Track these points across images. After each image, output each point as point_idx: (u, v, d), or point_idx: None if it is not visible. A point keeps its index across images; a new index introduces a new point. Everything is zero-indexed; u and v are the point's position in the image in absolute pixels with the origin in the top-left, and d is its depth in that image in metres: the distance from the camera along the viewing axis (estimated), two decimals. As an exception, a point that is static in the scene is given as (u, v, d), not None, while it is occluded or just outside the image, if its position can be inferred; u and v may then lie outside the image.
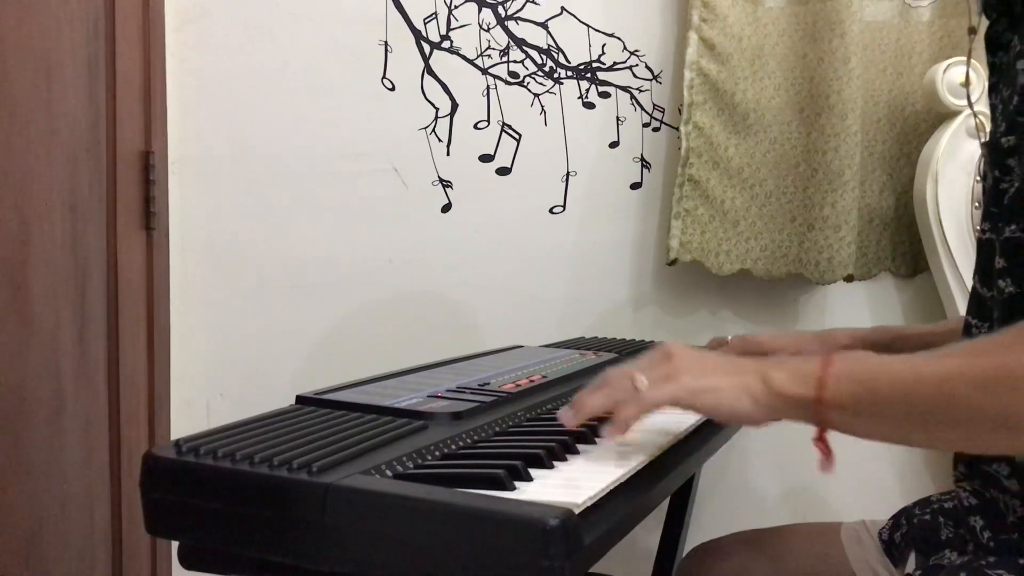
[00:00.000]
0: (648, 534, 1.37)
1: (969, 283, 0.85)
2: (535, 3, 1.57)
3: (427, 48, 1.54)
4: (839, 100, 1.54)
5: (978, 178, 1.49)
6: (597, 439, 0.78)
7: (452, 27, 1.54)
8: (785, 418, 0.72)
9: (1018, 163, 0.75)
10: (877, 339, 1.05)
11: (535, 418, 0.87)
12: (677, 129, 1.59)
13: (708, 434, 0.88)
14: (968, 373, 0.63)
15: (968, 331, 0.85)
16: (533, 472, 0.66)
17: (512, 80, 1.57)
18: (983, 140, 0.81)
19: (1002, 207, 0.77)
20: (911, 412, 0.66)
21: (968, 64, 1.04)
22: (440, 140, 1.56)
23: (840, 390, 0.68)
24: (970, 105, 1.10)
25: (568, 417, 0.75)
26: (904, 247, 1.68)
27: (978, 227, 0.83)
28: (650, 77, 1.62)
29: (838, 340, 1.05)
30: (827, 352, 0.71)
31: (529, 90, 1.58)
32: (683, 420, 0.86)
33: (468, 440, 0.77)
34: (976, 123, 1.13)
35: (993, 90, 0.86)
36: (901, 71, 1.65)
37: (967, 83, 1.06)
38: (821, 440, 0.73)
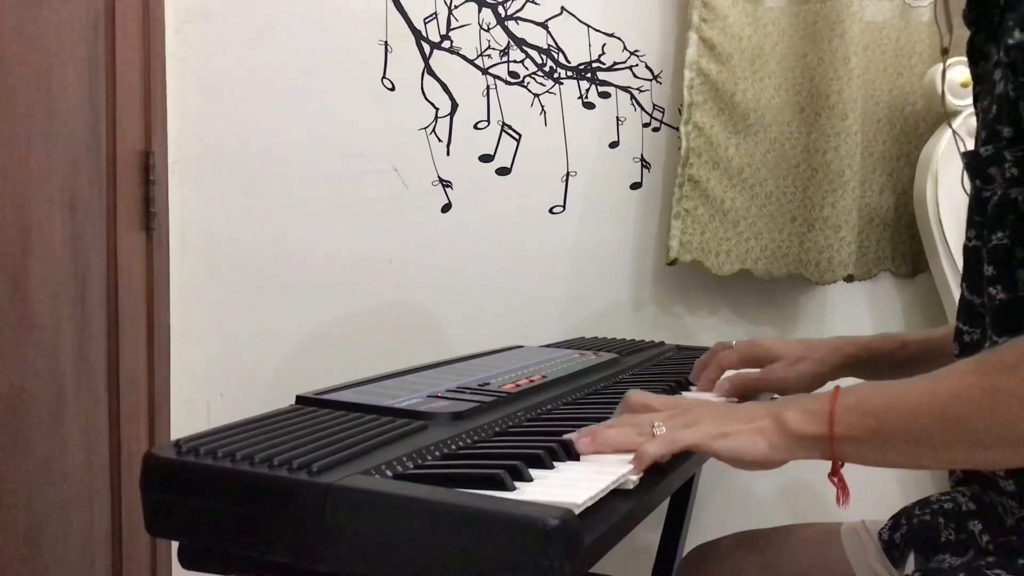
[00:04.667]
0: (648, 534, 1.37)
1: (968, 284, 0.86)
2: (535, 3, 1.57)
3: (427, 48, 1.54)
4: (839, 100, 1.54)
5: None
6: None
7: (452, 27, 1.54)
8: (801, 456, 0.73)
9: (999, 172, 0.76)
10: (880, 346, 1.05)
11: (535, 418, 0.87)
12: (677, 129, 1.59)
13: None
14: (967, 395, 0.66)
15: (959, 337, 0.86)
16: (533, 472, 0.66)
17: (512, 80, 1.57)
18: (962, 151, 0.83)
19: (986, 216, 0.78)
20: (918, 436, 0.69)
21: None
22: (440, 140, 1.56)
23: (849, 423, 0.70)
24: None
25: (584, 444, 0.74)
26: (904, 247, 1.68)
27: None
28: (650, 77, 1.62)
29: (843, 347, 1.05)
30: (834, 388, 0.73)
31: (529, 90, 1.58)
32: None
33: (468, 440, 0.76)
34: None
35: (976, 100, 0.87)
36: (901, 71, 1.65)
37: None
38: (835, 475, 0.75)
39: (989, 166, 0.77)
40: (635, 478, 0.69)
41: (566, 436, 0.75)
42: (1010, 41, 0.72)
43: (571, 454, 0.74)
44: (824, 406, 0.72)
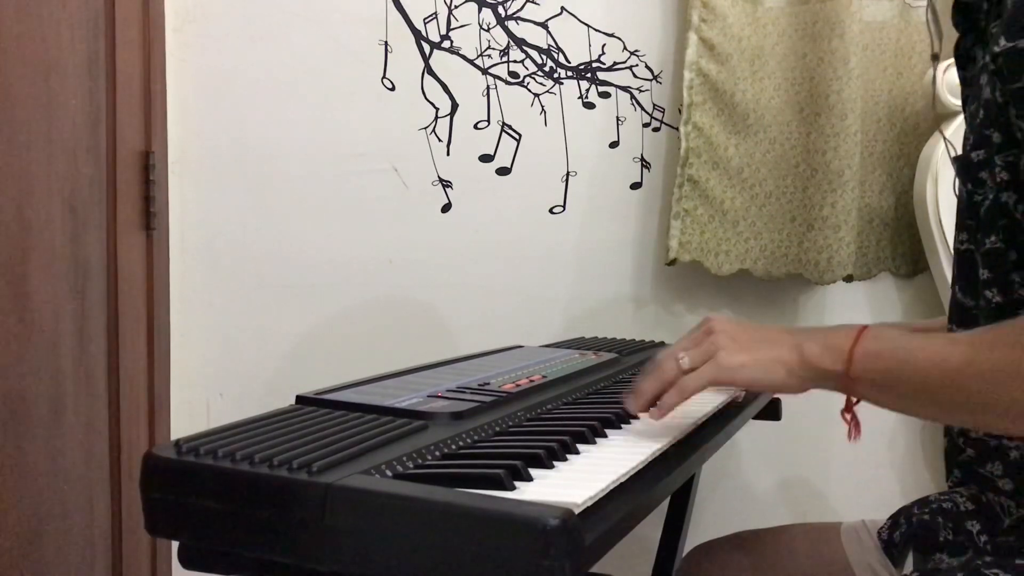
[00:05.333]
0: (648, 534, 1.37)
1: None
2: (535, 3, 1.57)
3: (427, 48, 1.54)
4: (839, 100, 1.54)
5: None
6: (597, 439, 0.78)
7: (452, 27, 1.54)
8: (817, 387, 0.77)
9: (990, 176, 0.76)
10: None
11: (535, 418, 0.87)
12: (677, 129, 1.59)
13: (709, 433, 0.88)
14: (977, 365, 0.68)
15: None
16: (533, 472, 0.66)
17: (512, 80, 1.57)
18: (952, 155, 0.84)
19: (978, 219, 0.79)
20: (929, 394, 0.71)
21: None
22: (440, 140, 1.56)
23: (866, 366, 0.73)
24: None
25: (632, 404, 0.81)
26: (904, 247, 1.68)
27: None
28: (650, 77, 1.62)
29: None
30: (859, 327, 0.76)
31: (529, 90, 1.58)
32: (687, 416, 0.86)
33: (468, 440, 0.77)
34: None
35: (965, 104, 0.87)
36: (901, 71, 1.65)
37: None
38: (848, 411, 0.79)
39: (980, 170, 0.78)
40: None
41: (626, 404, 0.82)
42: (996, 48, 0.73)
43: (573, 450, 0.74)
44: (846, 344, 0.74)
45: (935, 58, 0.94)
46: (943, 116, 1.55)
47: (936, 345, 0.72)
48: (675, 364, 0.79)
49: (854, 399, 0.78)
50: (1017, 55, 0.70)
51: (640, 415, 0.83)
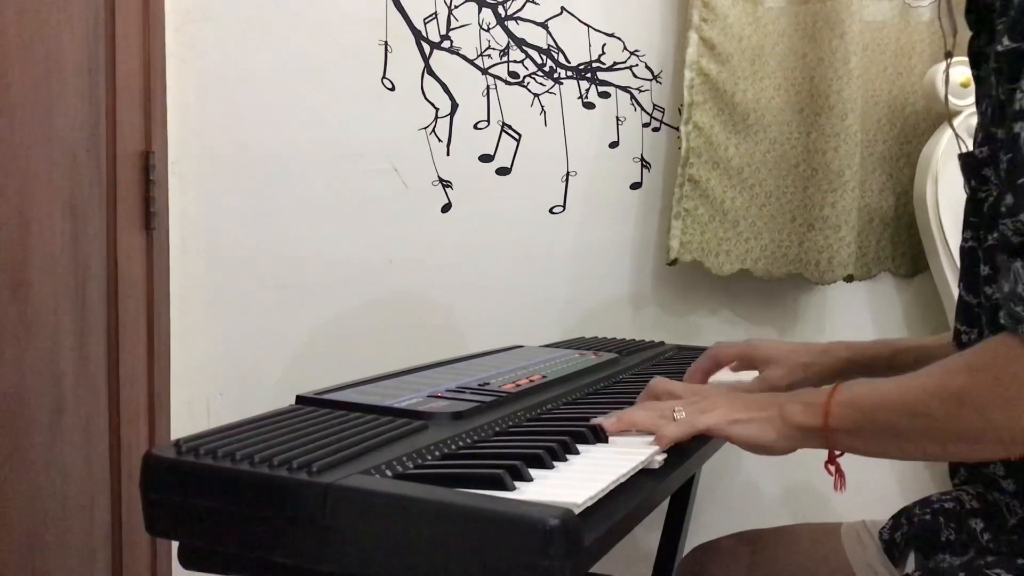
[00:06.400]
0: (648, 534, 1.37)
1: (969, 284, 0.87)
2: (535, 3, 1.57)
3: (427, 48, 1.54)
4: (839, 100, 1.54)
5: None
6: (597, 439, 0.78)
7: (452, 27, 1.54)
8: (803, 446, 0.80)
9: (994, 173, 0.76)
10: (876, 353, 1.05)
11: (535, 418, 0.87)
12: (677, 129, 1.59)
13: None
14: (937, 395, 0.71)
15: (957, 338, 0.86)
16: (533, 472, 0.66)
17: (512, 80, 1.57)
18: (960, 152, 0.84)
19: (982, 216, 0.79)
20: (897, 431, 0.75)
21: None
22: (440, 140, 1.56)
23: (841, 416, 0.77)
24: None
25: (610, 424, 0.80)
26: (904, 247, 1.68)
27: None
28: (650, 77, 1.62)
29: (839, 353, 1.05)
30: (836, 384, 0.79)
31: (529, 90, 1.58)
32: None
33: (468, 440, 0.77)
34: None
35: (978, 103, 0.87)
36: (901, 71, 1.65)
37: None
38: (832, 462, 0.83)
39: (984, 167, 0.78)
40: (660, 459, 0.75)
41: (593, 420, 0.81)
42: (999, 48, 0.73)
43: (573, 451, 0.74)
44: (821, 399, 0.77)
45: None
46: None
47: (902, 382, 0.75)
48: (671, 412, 0.81)
49: (837, 452, 0.81)
50: (1018, 56, 0.70)
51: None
